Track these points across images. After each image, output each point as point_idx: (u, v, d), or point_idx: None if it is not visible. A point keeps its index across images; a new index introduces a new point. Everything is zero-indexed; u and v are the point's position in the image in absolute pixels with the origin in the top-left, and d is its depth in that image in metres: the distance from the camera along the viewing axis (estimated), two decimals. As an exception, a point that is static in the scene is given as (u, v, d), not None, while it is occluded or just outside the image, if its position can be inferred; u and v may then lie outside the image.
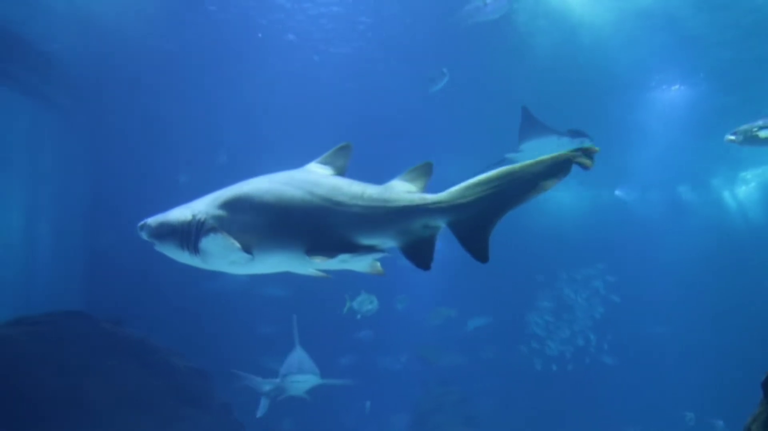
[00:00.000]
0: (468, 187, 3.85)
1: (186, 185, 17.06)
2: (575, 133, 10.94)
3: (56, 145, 16.68)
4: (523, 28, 13.77)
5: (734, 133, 9.37)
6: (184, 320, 15.84)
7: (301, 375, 11.37)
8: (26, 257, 15.76)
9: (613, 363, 19.65)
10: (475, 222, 3.83)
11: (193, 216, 4.01)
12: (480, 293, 20.53)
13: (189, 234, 3.99)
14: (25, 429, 8.03)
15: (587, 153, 3.68)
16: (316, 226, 3.93)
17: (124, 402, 9.06)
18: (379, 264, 4.22)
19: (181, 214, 4.08)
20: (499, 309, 20.56)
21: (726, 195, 24.43)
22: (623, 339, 20.18)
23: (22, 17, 13.09)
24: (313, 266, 4.12)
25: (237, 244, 3.87)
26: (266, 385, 11.49)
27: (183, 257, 4.11)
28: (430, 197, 3.92)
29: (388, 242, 3.98)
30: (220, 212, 4.01)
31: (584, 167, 3.70)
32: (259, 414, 11.44)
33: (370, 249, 3.97)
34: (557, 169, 3.73)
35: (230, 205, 4.03)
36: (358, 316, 14.67)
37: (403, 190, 4.03)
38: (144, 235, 4.19)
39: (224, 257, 4.00)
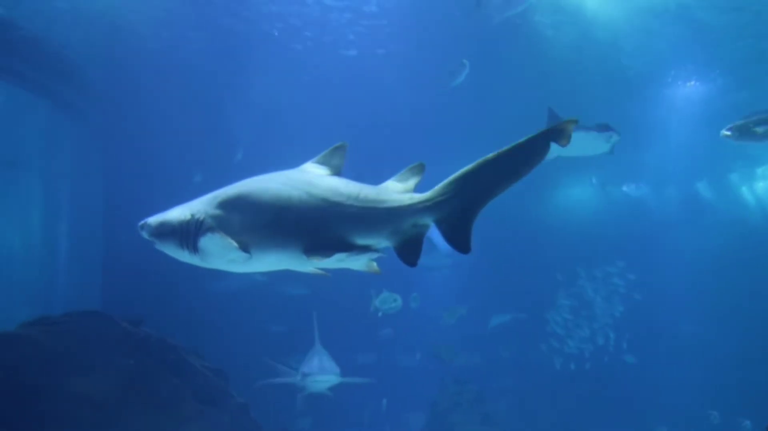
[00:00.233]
0: (449, 183, 3.87)
1: (201, 185, 17.08)
2: (602, 128, 10.84)
3: (73, 146, 16.83)
4: (540, 25, 13.72)
5: (729, 129, 9.19)
6: (200, 320, 15.88)
7: (322, 376, 11.41)
8: (45, 258, 15.91)
9: (634, 362, 19.46)
10: (457, 215, 3.84)
11: (192, 215, 4.02)
12: (499, 292, 20.47)
13: (188, 234, 4.00)
14: (44, 428, 8.10)
15: (561, 130, 3.59)
16: (313, 226, 3.96)
17: (143, 401, 9.09)
18: (375, 263, 4.24)
19: (180, 213, 4.09)
20: (517, 308, 20.48)
21: (744, 190, 24.22)
22: (644, 337, 19.96)
23: (44, 22, 13.22)
24: (311, 265, 4.15)
25: (234, 244, 3.88)
26: (295, 376, 11.63)
27: (183, 256, 4.12)
28: (417, 197, 3.97)
29: (383, 242, 4.02)
30: (219, 212, 4.02)
31: (561, 144, 3.61)
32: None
33: (366, 249, 4.00)
34: (534, 150, 3.68)
35: (229, 205, 4.04)
36: (380, 314, 14.69)
37: (395, 190, 4.08)
38: (145, 234, 4.20)
39: (222, 256, 4.01)
